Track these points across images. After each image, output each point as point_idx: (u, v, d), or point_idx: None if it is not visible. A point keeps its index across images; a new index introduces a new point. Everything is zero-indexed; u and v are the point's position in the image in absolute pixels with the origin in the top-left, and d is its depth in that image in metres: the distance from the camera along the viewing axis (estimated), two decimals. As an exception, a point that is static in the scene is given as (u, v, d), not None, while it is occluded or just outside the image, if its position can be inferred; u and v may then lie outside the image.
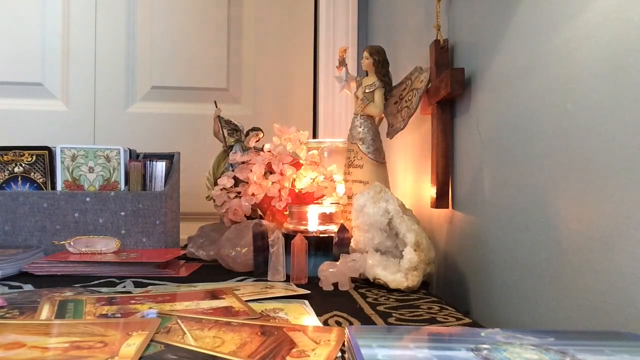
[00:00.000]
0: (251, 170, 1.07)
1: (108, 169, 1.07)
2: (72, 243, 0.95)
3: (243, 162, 1.11)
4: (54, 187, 1.06)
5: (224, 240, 0.96)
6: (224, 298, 0.66)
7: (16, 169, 1.05)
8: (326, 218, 0.90)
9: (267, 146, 1.11)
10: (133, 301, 0.64)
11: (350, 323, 0.59)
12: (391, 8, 1.36)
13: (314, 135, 1.63)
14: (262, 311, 0.61)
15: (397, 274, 0.77)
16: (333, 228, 0.87)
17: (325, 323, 0.58)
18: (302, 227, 0.89)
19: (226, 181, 1.10)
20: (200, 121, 1.52)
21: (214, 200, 1.12)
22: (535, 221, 0.61)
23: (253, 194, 1.05)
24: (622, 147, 0.46)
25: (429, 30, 0.93)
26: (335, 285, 0.77)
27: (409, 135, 1.10)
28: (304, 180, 1.06)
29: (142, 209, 1.04)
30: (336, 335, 0.51)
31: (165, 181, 1.10)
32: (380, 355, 0.36)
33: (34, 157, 1.06)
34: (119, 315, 0.58)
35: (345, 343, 0.45)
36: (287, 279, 0.83)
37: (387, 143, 1.05)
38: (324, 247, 0.85)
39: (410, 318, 0.62)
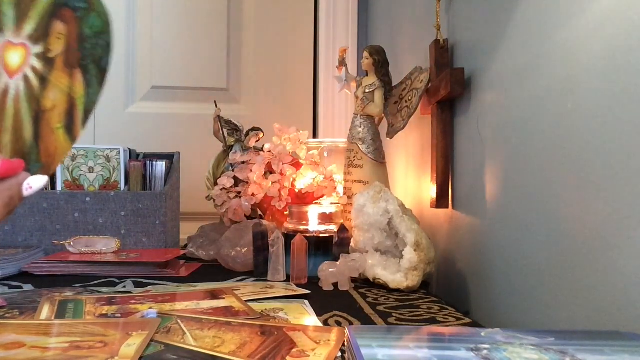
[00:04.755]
0: (251, 170, 1.07)
1: (108, 169, 1.07)
2: (72, 243, 0.95)
3: (243, 162, 1.11)
4: (53, 187, 1.06)
5: (224, 240, 0.96)
6: (224, 298, 0.66)
7: (16, 169, 1.05)
8: (326, 218, 0.90)
9: (267, 146, 1.11)
10: (133, 301, 0.64)
11: (350, 323, 0.59)
12: (391, 8, 1.36)
13: (314, 135, 1.63)
14: (262, 311, 0.61)
15: (397, 274, 0.77)
16: (333, 228, 0.87)
17: (325, 323, 0.58)
18: (302, 227, 0.89)
19: (226, 181, 1.10)
20: (200, 121, 1.52)
21: (214, 200, 1.12)
22: (535, 221, 0.61)
23: (253, 194, 1.05)
24: (622, 147, 0.46)
25: (429, 30, 0.93)
26: (335, 285, 0.77)
27: (409, 135, 1.10)
28: (304, 180, 1.06)
29: (142, 209, 1.04)
30: (336, 335, 0.51)
31: (165, 181, 1.10)
32: (380, 355, 0.36)
33: (34, 157, 1.05)
34: (119, 315, 0.58)
35: (345, 343, 0.45)
36: (287, 279, 0.83)
37: (387, 143, 1.05)
38: (324, 247, 0.85)
39: (410, 318, 0.62)
